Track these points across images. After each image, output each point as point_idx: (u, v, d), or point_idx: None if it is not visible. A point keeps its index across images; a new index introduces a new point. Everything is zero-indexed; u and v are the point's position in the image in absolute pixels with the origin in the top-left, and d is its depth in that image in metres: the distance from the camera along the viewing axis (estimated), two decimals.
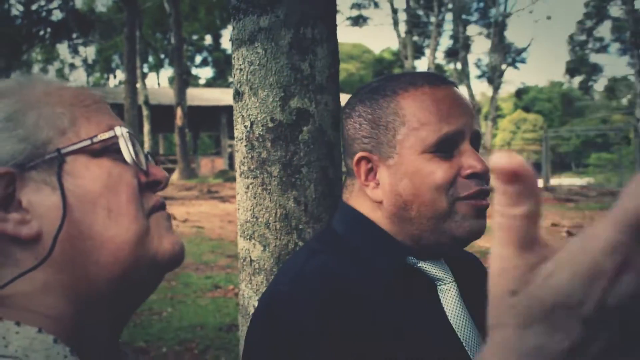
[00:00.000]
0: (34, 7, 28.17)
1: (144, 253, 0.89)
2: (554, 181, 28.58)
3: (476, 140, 1.36)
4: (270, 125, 2.11)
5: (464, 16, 36.82)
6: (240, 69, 2.17)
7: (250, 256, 2.15)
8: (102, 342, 0.90)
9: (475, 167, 1.29)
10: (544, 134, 30.84)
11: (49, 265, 0.83)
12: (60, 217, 0.83)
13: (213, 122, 39.79)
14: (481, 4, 38.51)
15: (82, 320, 0.86)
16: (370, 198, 1.37)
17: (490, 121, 36.26)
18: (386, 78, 1.43)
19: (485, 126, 35.33)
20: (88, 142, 0.88)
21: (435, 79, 1.38)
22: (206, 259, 8.90)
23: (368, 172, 1.37)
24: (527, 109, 63.68)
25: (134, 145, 0.92)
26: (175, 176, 24.73)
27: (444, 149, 1.30)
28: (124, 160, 0.91)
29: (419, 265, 1.35)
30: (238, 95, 2.19)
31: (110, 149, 0.90)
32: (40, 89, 0.91)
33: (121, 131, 0.91)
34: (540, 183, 27.37)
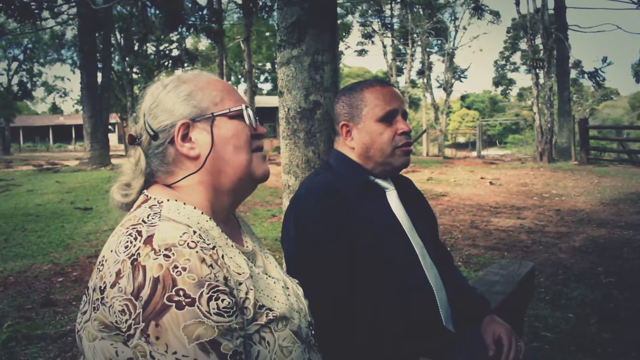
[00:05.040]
0: (161, 48, 29.04)
1: (248, 171, 1.05)
2: (484, 152, 29.01)
3: (405, 115, 1.56)
4: (299, 110, 2.31)
5: (428, 49, 37.30)
6: (282, 79, 2.36)
7: (288, 183, 2.36)
8: (223, 215, 1.08)
9: (404, 128, 1.52)
10: (478, 123, 31.30)
11: (202, 171, 1.02)
12: (210, 147, 1.02)
13: (272, 117, 40.69)
14: (438, 41, 38.97)
15: (214, 202, 1.04)
16: (348, 146, 1.57)
17: (445, 115, 36.68)
18: (357, 82, 1.62)
19: (442, 118, 35.58)
20: (227, 111, 1.05)
21: (383, 82, 1.59)
22: (267, 199, 9.21)
23: (347, 133, 1.57)
24: (468, 107, 63.74)
25: (249, 115, 1.08)
26: None
27: (387, 119, 1.52)
28: (244, 121, 1.07)
29: (375, 180, 1.56)
30: (281, 93, 2.38)
31: (238, 116, 1.06)
32: (205, 79, 1.08)
33: (244, 107, 1.07)
34: (476, 153, 27.45)
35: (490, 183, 11.34)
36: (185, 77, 1.08)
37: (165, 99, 1.05)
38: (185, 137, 1.02)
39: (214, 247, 0.90)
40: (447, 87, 37.27)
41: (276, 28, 2.46)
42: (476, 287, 2.28)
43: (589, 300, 3.92)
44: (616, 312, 3.66)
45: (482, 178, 12.25)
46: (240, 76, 46.84)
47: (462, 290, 1.65)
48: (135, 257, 0.84)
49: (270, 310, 0.97)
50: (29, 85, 38.97)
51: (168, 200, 0.98)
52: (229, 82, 1.19)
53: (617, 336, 3.24)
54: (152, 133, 1.03)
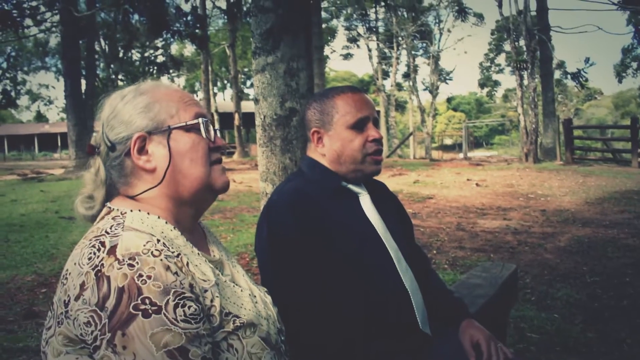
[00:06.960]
0: (146, 54, 29.01)
1: (206, 183, 1.05)
2: (471, 154, 29.17)
3: (376, 122, 1.57)
4: (275, 117, 2.30)
5: (413, 52, 37.27)
6: (257, 86, 2.35)
7: (265, 191, 2.37)
8: (188, 224, 1.08)
9: (375, 136, 1.52)
10: (464, 124, 31.43)
11: (161, 184, 1.02)
12: (168, 161, 1.02)
13: None
14: (423, 44, 39.03)
15: (177, 213, 1.05)
16: (320, 153, 1.57)
17: (431, 117, 36.67)
18: (328, 89, 1.62)
19: (428, 121, 35.49)
20: (184, 124, 1.04)
21: (355, 89, 1.60)
22: (254, 205, 9.00)
23: (318, 139, 1.57)
24: (454, 109, 63.97)
25: (207, 127, 1.07)
26: (235, 156, 25.12)
27: (358, 126, 1.53)
28: (201, 134, 1.06)
29: (348, 186, 1.56)
30: (257, 101, 2.37)
31: (195, 128, 1.05)
32: (163, 90, 1.08)
33: (201, 120, 1.06)
34: (462, 155, 27.53)
35: (477, 185, 11.36)
36: (143, 88, 1.09)
37: (123, 110, 1.05)
38: (142, 150, 1.03)
39: (178, 255, 0.90)
40: (433, 90, 37.39)
41: (251, 35, 2.43)
42: (459, 290, 2.28)
43: (574, 300, 3.94)
44: (601, 312, 3.68)
45: (468, 180, 12.27)
46: (226, 82, 46.61)
47: (438, 293, 1.64)
48: (99, 268, 0.83)
49: (237, 317, 0.97)
50: (12, 93, 38.56)
51: (131, 210, 0.99)
52: (188, 91, 1.16)
53: (601, 335, 3.25)
54: (109, 144, 1.03)
